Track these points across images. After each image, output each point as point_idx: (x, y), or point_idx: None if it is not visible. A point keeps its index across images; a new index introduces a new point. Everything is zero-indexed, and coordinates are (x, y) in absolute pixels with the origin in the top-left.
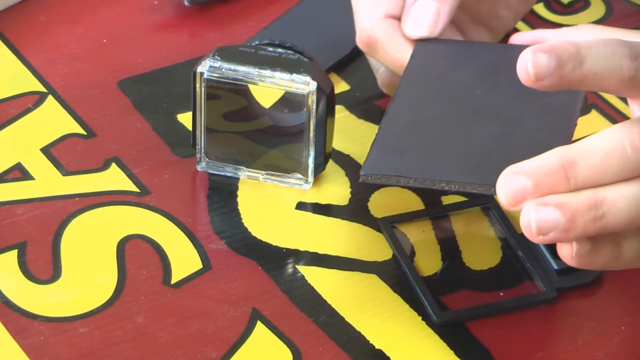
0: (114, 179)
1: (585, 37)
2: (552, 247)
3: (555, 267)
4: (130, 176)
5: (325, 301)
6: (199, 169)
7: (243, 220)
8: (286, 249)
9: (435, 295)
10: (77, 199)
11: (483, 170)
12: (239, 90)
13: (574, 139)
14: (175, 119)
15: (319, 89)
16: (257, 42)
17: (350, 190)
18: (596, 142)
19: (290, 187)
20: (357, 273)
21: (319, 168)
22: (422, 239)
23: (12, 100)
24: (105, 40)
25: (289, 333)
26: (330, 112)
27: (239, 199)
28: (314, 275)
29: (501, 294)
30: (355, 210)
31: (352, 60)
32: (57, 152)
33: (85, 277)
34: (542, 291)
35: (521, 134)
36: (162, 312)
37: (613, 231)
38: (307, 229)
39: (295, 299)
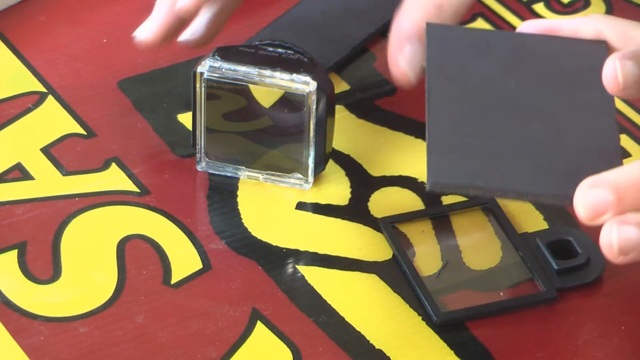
0: (114, 179)
1: (597, 26)
2: (552, 247)
3: (555, 267)
4: (130, 176)
5: (325, 301)
6: (199, 169)
7: (243, 220)
8: (286, 249)
9: (435, 295)
10: (77, 199)
11: (552, 179)
12: (239, 90)
13: None
14: (175, 119)
15: (319, 88)
16: (257, 42)
17: (350, 190)
18: None
19: (291, 187)
20: (357, 273)
21: (319, 168)
22: (422, 239)
23: (12, 100)
24: (105, 40)
25: (289, 333)
26: (330, 112)
27: (239, 199)
28: (314, 275)
29: (501, 294)
30: (355, 210)
31: (352, 60)
32: (57, 152)
33: (85, 277)
34: (542, 291)
35: (569, 134)
36: (162, 312)
37: None
38: (307, 229)
39: (295, 299)
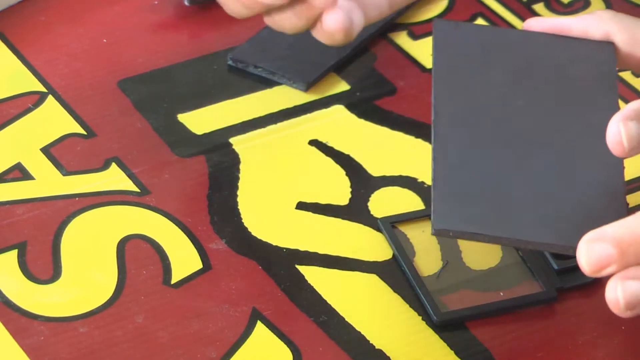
0: (114, 179)
1: (606, 28)
2: None
3: (555, 267)
4: (130, 176)
5: (325, 301)
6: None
7: (243, 220)
8: (286, 249)
9: (435, 295)
10: (77, 199)
11: (556, 228)
12: None
13: None
14: (175, 119)
15: None
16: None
17: (350, 190)
18: None
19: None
20: (357, 273)
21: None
22: (422, 239)
23: (12, 100)
24: (105, 40)
25: (289, 333)
26: None
27: (239, 199)
28: (314, 275)
29: (501, 294)
30: (355, 210)
31: (352, 60)
32: (57, 152)
33: (85, 277)
34: (542, 291)
35: (576, 169)
36: (162, 312)
37: None
38: (307, 229)
39: (295, 299)
